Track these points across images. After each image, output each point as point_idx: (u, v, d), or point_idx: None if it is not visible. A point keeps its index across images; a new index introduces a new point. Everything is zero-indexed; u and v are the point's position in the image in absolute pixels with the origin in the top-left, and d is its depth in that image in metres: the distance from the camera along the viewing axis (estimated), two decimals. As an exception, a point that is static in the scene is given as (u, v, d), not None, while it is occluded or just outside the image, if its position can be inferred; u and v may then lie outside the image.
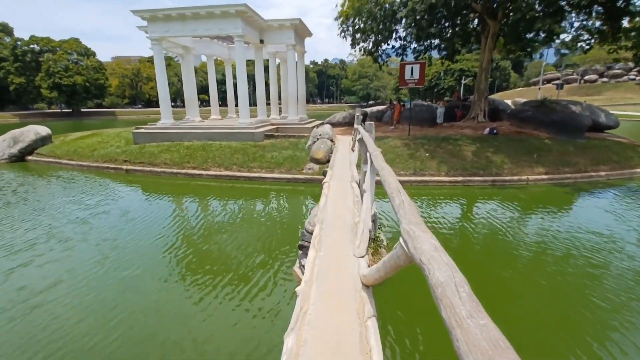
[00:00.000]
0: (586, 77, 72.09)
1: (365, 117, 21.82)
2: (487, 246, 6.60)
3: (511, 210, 8.51)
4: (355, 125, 11.20)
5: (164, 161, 12.89)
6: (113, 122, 52.62)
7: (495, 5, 14.03)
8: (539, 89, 65.78)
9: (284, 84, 19.16)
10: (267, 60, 20.15)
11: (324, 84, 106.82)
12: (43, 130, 16.63)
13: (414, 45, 17.66)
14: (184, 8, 13.44)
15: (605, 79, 70.24)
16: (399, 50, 16.85)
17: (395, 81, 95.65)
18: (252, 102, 17.16)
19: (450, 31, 14.94)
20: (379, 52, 18.00)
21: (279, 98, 21.25)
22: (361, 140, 5.23)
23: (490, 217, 7.98)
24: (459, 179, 10.72)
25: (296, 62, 17.99)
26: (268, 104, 19.96)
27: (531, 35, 13.10)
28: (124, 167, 13.20)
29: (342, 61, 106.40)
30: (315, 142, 12.52)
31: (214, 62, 20.40)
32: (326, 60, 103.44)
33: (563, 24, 11.91)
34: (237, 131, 14.12)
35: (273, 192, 10.55)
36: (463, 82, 68.90)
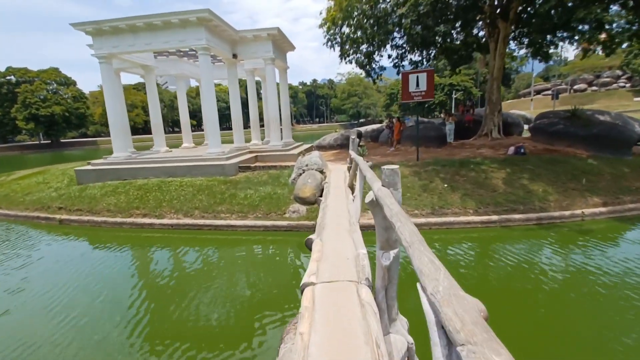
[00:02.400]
0: (575, 87, 71.95)
1: (360, 137, 19.39)
2: (556, 324, 3.83)
3: (576, 261, 5.88)
4: (352, 154, 8.56)
5: (106, 207, 10.01)
6: (94, 151, 49.62)
7: (505, 2, 11.87)
8: (531, 99, 65.08)
9: (265, 105, 16.68)
10: (251, 80, 17.73)
11: (314, 104, 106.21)
12: (-28, 171, 13.66)
13: (409, 57, 15.44)
14: (135, 18, 11.00)
15: (594, 88, 70.08)
16: (396, 61, 14.56)
17: (385, 98, 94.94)
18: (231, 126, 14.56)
19: (454, 36, 12.73)
20: (372, 65, 15.71)
21: (261, 121, 18.73)
22: (374, 203, 2.51)
23: (550, 274, 5.28)
24: (494, 217, 8.03)
25: (277, 82, 15.63)
26: (248, 128, 17.39)
27: (563, 30, 10.81)
28: (57, 216, 10.27)
29: (330, 81, 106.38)
30: (300, 174, 9.82)
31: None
32: (314, 81, 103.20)
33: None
34: (204, 164, 11.38)
35: (245, 247, 7.74)
36: (454, 96, 68.18)
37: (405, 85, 10.20)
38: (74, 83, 64.99)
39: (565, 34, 11.87)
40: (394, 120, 16.32)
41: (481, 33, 14.95)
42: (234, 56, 13.52)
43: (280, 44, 14.40)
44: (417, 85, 10.01)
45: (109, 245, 8.28)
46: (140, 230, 9.25)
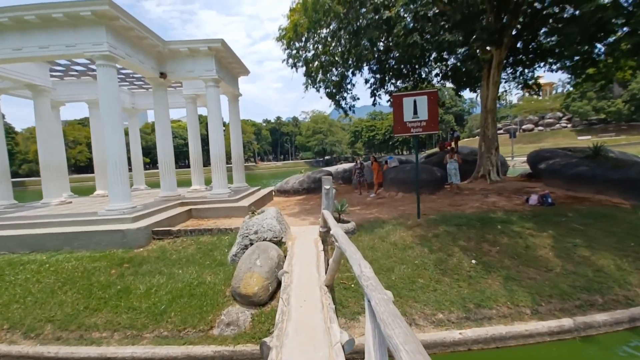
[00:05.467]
0: (524, 127, 76.89)
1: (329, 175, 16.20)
2: None
3: None
4: (326, 214, 5.11)
5: None
6: (20, 193, 41.64)
7: (504, 22, 9.84)
8: (488, 138, 67.52)
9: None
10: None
11: (278, 141, 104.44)
12: None
13: (387, 87, 12.95)
14: (-5, 9, 7.25)
15: (540, 128, 75.43)
16: (375, 86, 11.93)
17: (349, 136, 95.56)
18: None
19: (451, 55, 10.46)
20: (343, 94, 12.96)
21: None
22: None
23: None
24: (566, 322, 4.81)
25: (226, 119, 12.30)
26: (186, 167, 13.58)
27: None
28: None
29: (295, 118, 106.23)
30: (246, 247, 6.12)
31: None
32: (279, 118, 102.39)
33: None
34: (94, 228, 7.25)
35: None
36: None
37: (398, 113, 7.22)
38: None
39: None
40: (363, 161, 13.35)
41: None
42: (162, 75, 10.03)
43: (227, 63, 11.22)
44: (415, 112, 7.08)
45: None
46: None
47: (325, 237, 6.62)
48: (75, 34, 7.56)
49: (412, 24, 7.00)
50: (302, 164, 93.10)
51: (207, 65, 10.05)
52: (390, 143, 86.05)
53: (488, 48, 11.00)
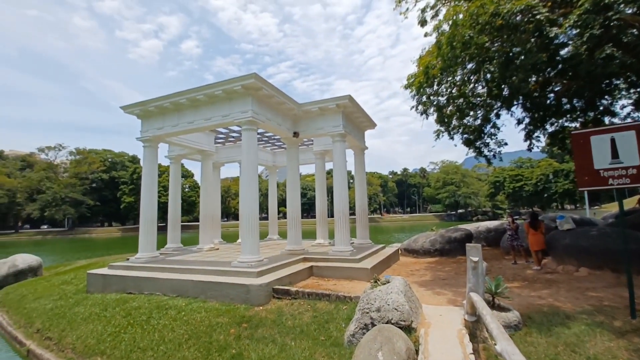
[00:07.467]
0: None
1: (470, 239, 13.49)
2: None
3: None
4: (477, 301, 3.53)
5: (72, 343, 6.68)
6: (193, 235, 53.16)
7: None
8: None
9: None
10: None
11: (404, 193, 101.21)
12: (24, 261, 12.89)
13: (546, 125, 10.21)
14: (179, 94, 9.36)
15: None
16: (530, 128, 9.56)
17: (488, 187, 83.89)
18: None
19: None
20: (485, 140, 10.98)
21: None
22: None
23: None
24: None
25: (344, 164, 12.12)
26: (312, 217, 13.75)
27: None
28: (29, 342, 7.42)
29: (422, 169, 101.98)
30: (366, 327, 4.98)
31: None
32: (405, 170, 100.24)
33: None
34: (224, 280, 7.55)
35: None
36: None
37: (583, 158, 5.09)
38: (192, 175, 76.77)
39: None
40: (519, 218, 10.34)
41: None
42: (295, 134, 10.75)
43: (353, 117, 11.25)
44: (615, 156, 4.83)
45: None
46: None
47: (475, 329, 4.82)
48: (230, 105, 8.91)
49: (599, 33, 5.05)
50: (430, 217, 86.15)
51: (334, 122, 10.25)
52: (545, 195, 70.47)
53: None
